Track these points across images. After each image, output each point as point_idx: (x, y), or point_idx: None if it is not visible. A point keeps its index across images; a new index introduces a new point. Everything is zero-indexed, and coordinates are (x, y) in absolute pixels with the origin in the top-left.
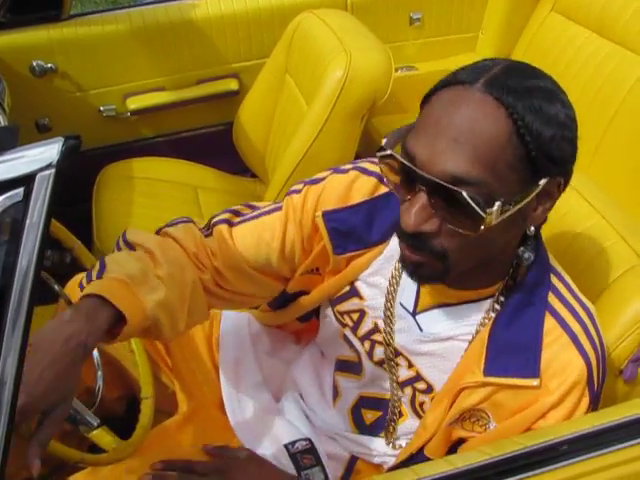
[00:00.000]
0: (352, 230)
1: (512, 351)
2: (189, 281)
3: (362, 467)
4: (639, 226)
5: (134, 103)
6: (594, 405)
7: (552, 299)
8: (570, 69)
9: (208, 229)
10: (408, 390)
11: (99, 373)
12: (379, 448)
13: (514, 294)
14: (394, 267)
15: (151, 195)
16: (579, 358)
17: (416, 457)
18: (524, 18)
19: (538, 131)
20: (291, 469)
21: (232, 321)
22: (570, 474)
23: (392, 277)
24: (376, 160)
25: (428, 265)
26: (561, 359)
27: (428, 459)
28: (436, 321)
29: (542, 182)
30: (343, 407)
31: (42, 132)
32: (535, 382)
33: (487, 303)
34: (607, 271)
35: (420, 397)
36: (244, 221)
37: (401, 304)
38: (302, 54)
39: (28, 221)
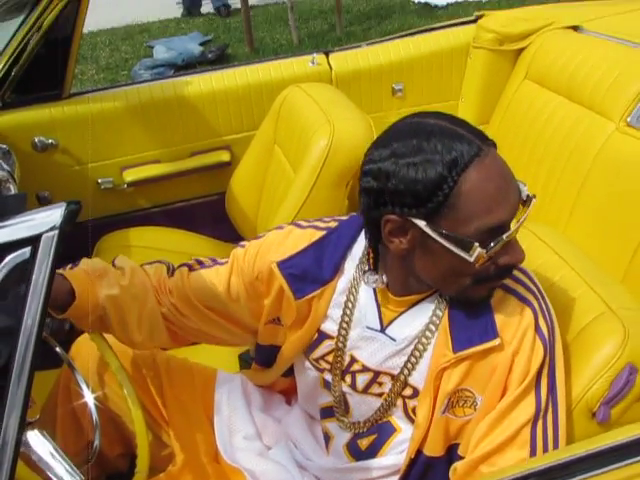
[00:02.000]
0: (306, 272)
1: (471, 325)
2: (149, 304)
3: None
4: (606, 276)
5: (131, 175)
6: (551, 353)
7: None
8: (545, 132)
9: (172, 271)
10: (399, 402)
11: (96, 431)
12: (376, 465)
13: None
14: (347, 298)
15: None
16: (524, 307)
17: (417, 460)
18: (500, 86)
19: None
20: None
21: (226, 380)
22: None
23: (347, 307)
24: (310, 220)
25: None
26: (509, 313)
27: (429, 459)
28: (403, 327)
29: None
30: (337, 448)
31: (43, 204)
32: (497, 341)
33: (435, 295)
34: (578, 319)
35: (411, 403)
36: (202, 268)
37: (368, 327)
38: (289, 125)
39: (34, 277)
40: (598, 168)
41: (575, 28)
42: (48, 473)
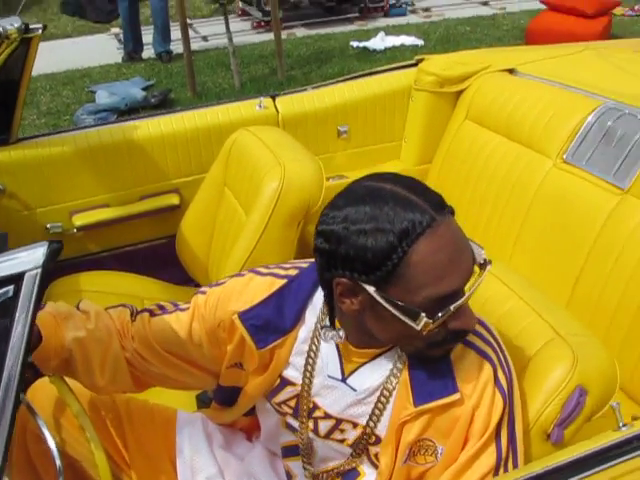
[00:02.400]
0: (267, 323)
1: (431, 379)
2: (112, 348)
3: None
4: (553, 303)
5: (80, 220)
6: (510, 405)
7: None
8: (486, 170)
9: (135, 316)
10: (362, 448)
11: (60, 477)
12: None
13: None
14: (310, 347)
15: None
16: (483, 361)
17: None
18: (442, 126)
19: None
20: None
21: (186, 420)
22: None
23: (309, 357)
24: (270, 266)
25: None
26: (469, 367)
27: None
28: (364, 378)
29: None
30: None
31: None
32: (457, 396)
33: (396, 349)
34: (529, 346)
35: (373, 449)
36: (163, 314)
37: (329, 376)
38: (239, 168)
39: (17, 315)
40: (538, 203)
41: (510, 71)
42: None
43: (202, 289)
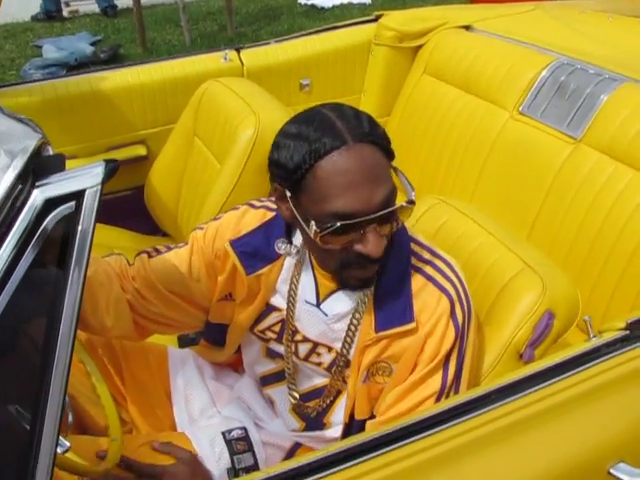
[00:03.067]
0: (256, 250)
1: (392, 308)
2: (114, 290)
3: (303, 452)
4: (519, 238)
5: None
6: (462, 339)
7: (415, 261)
8: (445, 121)
9: (132, 261)
10: (335, 371)
11: (69, 412)
12: (324, 436)
13: (385, 268)
14: (292, 274)
15: None
16: (441, 295)
17: (351, 425)
18: (400, 80)
19: (384, 137)
20: (225, 453)
21: (177, 355)
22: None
23: (292, 283)
24: (263, 199)
25: (371, 273)
26: (427, 299)
27: (360, 422)
28: (335, 304)
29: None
30: (284, 411)
31: None
32: (413, 324)
33: None
34: (501, 277)
35: (346, 372)
36: (160, 254)
37: (306, 301)
38: (210, 118)
39: (79, 228)
40: (496, 152)
41: (467, 27)
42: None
43: (200, 225)
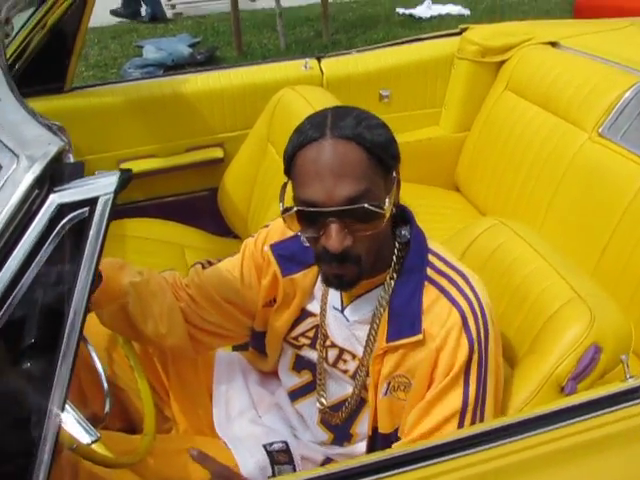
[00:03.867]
0: (293, 254)
1: (403, 319)
2: (167, 298)
3: None
4: (575, 267)
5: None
6: (479, 355)
7: (431, 273)
8: (523, 139)
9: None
10: (358, 378)
11: (107, 399)
12: (352, 452)
13: (400, 276)
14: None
15: (141, 253)
16: (452, 308)
17: (375, 439)
18: (481, 95)
19: (377, 141)
20: (267, 463)
21: (224, 357)
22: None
23: (324, 288)
24: None
25: (348, 273)
26: (439, 312)
27: (384, 436)
28: (355, 311)
29: (393, 174)
30: (312, 424)
31: None
32: (420, 336)
33: (382, 286)
34: (550, 305)
35: (368, 381)
36: (213, 265)
37: (334, 307)
38: (283, 125)
39: (91, 233)
40: (571, 174)
41: (553, 44)
42: (68, 429)
43: (252, 234)
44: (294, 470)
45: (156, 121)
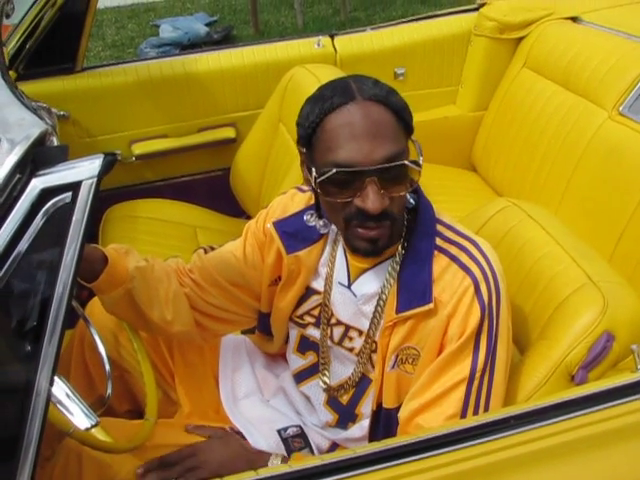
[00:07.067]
0: (297, 232)
1: (413, 288)
2: (172, 284)
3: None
4: (590, 251)
5: (139, 149)
6: (490, 321)
7: (440, 242)
8: (541, 118)
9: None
10: (364, 354)
11: (109, 381)
12: (353, 436)
13: (410, 247)
14: (329, 256)
15: (153, 234)
16: (463, 273)
17: (378, 414)
18: (499, 73)
19: (401, 105)
20: (282, 451)
21: (230, 340)
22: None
23: (329, 265)
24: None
25: (383, 236)
26: (450, 279)
27: (388, 410)
28: (363, 285)
29: (413, 137)
30: (318, 405)
31: None
32: (431, 305)
33: (391, 259)
34: (562, 290)
35: (374, 357)
36: (215, 249)
37: (339, 283)
38: (294, 104)
39: (74, 218)
40: (590, 153)
41: (574, 19)
42: (66, 414)
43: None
44: (312, 453)
45: (168, 101)
